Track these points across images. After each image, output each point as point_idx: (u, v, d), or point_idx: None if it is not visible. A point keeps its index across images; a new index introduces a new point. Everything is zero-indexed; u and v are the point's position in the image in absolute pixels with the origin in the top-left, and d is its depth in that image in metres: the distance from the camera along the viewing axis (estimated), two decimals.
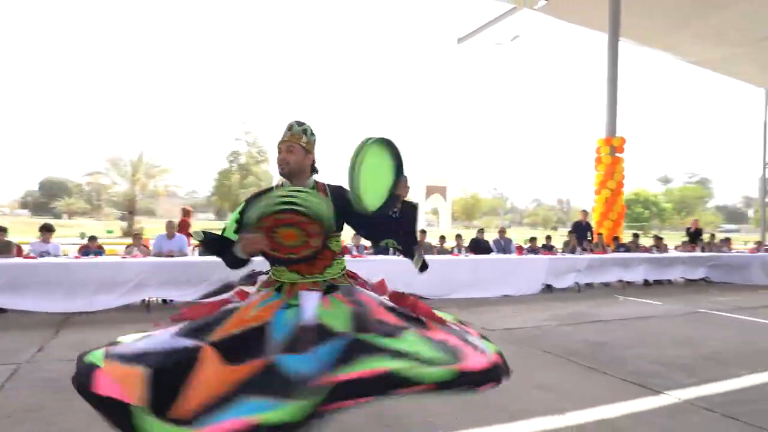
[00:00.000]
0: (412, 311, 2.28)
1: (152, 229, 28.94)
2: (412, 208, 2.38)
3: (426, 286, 8.08)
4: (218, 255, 2.40)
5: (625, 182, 12.24)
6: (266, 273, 2.58)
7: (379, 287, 2.52)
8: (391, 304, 2.33)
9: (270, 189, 2.48)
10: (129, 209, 30.71)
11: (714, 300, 8.97)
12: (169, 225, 7.71)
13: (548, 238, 10.60)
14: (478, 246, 10.02)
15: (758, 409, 3.67)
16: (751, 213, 76.58)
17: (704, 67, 18.40)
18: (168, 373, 1.85)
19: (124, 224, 30.11)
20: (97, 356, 2.00)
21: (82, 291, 6.38)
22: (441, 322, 2.30)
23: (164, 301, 7.29)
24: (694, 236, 12.34)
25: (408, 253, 2.45)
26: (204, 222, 52.42)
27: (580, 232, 11.16)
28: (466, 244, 10.21)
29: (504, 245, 10.20)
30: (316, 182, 2.47)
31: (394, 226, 2.35)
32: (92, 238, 7.59)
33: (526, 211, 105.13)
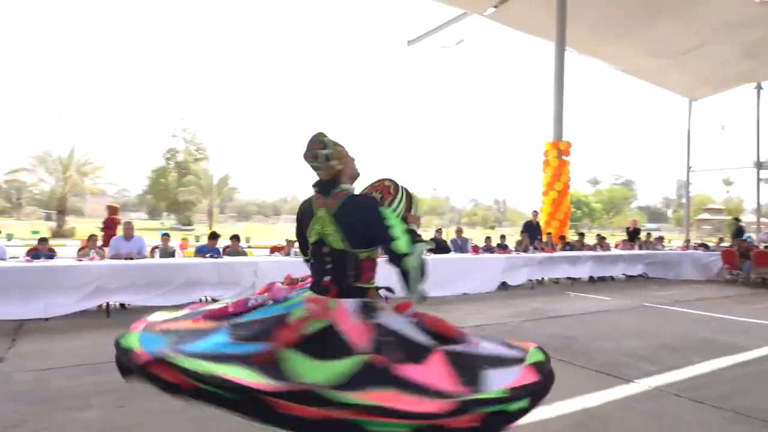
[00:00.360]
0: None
1: (83, 229, 27.35)
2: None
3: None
4: None
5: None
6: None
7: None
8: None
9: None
10: (59, 208, 28.90)
11: (654, 294, 9.64)
12: (128, 226, 7.39)
13: (503, 237, 11.00)
14: (438, 246, 10.24)
15: (721, 392, 4.03)
16: (669, 213, 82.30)
17: (636, 76, 19.64)
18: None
19: (52, 224, 28.32)
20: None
21: (37, 296, 6.01)
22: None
23: (122, 305, 6.99)
24: (633, 235, 13.21)
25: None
26: (136, 222, 50.21)
27: (531, 232, 11.65)
28: None
29: (461, 245, 10.48)
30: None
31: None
32: (43, 240, 7.13)
33: (465, 211, 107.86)
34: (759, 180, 20.05)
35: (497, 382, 1.88)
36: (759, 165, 19.79)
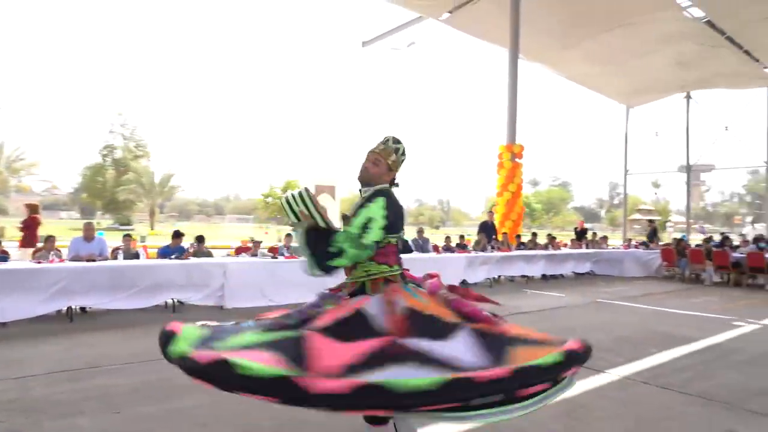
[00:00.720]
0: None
1: (12, 229, 25.68)
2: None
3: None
4: None
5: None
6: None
7: None
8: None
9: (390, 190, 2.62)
10: None
11: (604, 291, 10.24)
12: (88, 227, 7.09)
13: (461, 237, 11.33)
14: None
15: (682, 379, 4.41)
16: (602, 213, 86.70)
17: (579, 83, 20.63)
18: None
19: None
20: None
21: None
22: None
23: (83, 309, 6.71)
24: (581, 235, 13.92)
25: None
26: (67, 222, 47.46)
27: (487, 232, 12.05)
28: None
29: (422, 244, 10.71)
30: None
31: None
32: (50, 239, 6.72)
33: (410, 211, 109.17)
34: (689, 183, 21.55)
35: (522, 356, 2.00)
36: (688, 169, 21.30)
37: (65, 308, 6.47)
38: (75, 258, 6.76)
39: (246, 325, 2.28)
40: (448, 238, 11.18)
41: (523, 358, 2.01)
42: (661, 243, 15.14)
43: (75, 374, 4.22)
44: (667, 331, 6.47)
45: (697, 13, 14.64)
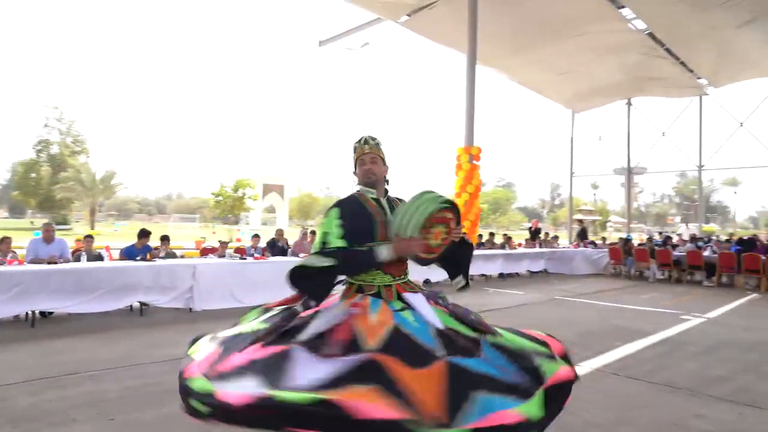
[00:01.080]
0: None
1: None
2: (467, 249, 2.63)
3: None
4: (348, 271, 2.33)
5: (445, 184, 13.73)
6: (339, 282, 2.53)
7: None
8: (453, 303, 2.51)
9: (353, 196, 2.49)
10: None
11: (559, 288, 10.72)
12: (47, 227, 6.76)
13: None
14: None
15: (647, 369, 4.75)
16: (545, 213, 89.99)
17: (528, 87, 21.36)
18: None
19: None
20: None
21: None
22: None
23: (42, 314, 6.42)
24: (534, 234, 14.48)
25: (453, 276, 2.70)
26: None
27: None
28: None
29: None
30: (387, 191, 2.56)
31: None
32: (5, 240, 6.29)
33: None
34: (630, 185, 22.80)
35: (479, 411, 1.77)
36: (629, 171, 22.52)
37: (24, 313, 6.19)
38: (34, 260, 6.46)
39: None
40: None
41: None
42: (587, 241, 15.96)
43: (55, 381, 4.07)
44: (624, 325, 6.89)
45: (641, 25, 15.52)
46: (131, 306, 7.09)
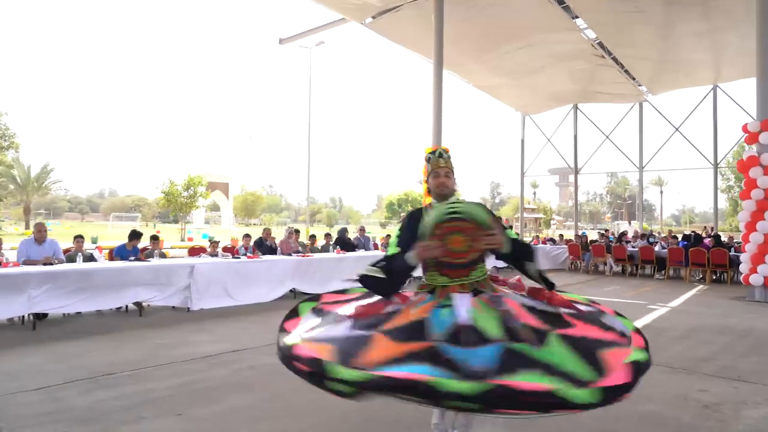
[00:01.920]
0: (549, 304, 2.62)
1: None
2: (524, 251, 2.76)
3: (310, 282, 8.52)
4: (390, 276, 2.58)
5: (394, 184, 14.20)
6: (417, 278, 2.89)
7: (518, 285, 2.98)
8: (530, 303, 2.59)
9: (420, 209, 2.82)
10: None
11: (527, 283, 11.31)
12: (39, 228, 6.52)
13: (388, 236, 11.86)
14: (345, 244, 10.69)
15: None
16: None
17: (483, 90, 22.14)
18: (349, 347, 2.24)
19: None
20: (292, 340, 2.41)
21: None
22: (577, 309, 2.64)
23: (37, 316, 6.21)
24: None
25: (526, 273, 2.89)
26: None
27: None
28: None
29: (364, 242, 11.08)
30: (459, 200, 2.88)
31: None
32: None
33: (304, 208, 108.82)
34: (576, 184, 24.11)
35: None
36: (576, 172, 23.82)
37: (20, 316, 6.00)
38: (28, 261, 6.23)
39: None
40: (388, 236, 11.64)
41: (616, 361, 2.20)
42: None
43: (96, 382, 4.06)
44: None
45: (592, 35, 16.53)
46: (126, 307, 6.98)
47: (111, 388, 3.93)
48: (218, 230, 50.44)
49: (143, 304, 6.86)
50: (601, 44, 17.07)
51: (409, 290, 2.85)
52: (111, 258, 7.33)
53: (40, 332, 5.73)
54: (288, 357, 2.32)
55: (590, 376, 2.09)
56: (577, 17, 15.37)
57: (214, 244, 8.28)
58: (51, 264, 6.20)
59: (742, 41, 15.11)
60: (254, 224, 79.22)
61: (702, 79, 19.45)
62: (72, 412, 3.42)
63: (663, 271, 12.81)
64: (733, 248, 12.25)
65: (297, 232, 9.82)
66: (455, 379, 2.01)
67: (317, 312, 2.77)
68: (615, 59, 18.04)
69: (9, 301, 5.59)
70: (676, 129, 21.02)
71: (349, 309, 2.66)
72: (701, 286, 11.47)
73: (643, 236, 14.49)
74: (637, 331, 2.50)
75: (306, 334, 2.46)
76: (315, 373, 2.14)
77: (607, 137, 22.78)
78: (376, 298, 2.69)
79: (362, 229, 11.43)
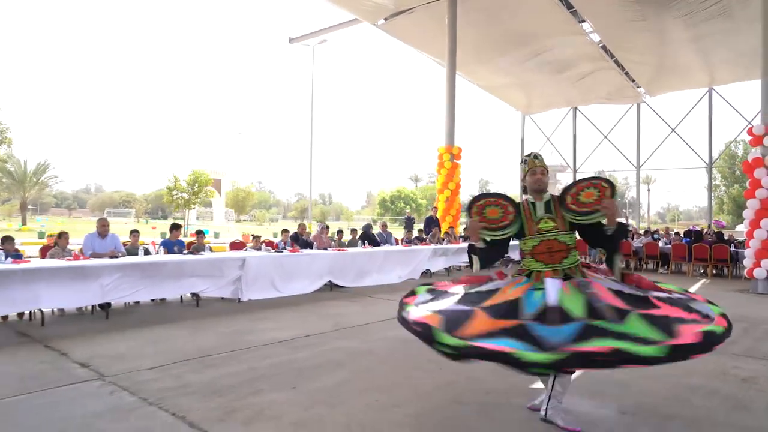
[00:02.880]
0: (638, 288, 3.07)
1: None
2: (623, 230, 3.36)
3: (346, 275, 8.99)
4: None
5: (389, 182, 14.72)
6: (517, 261, 3.44)
7: (607, 271, 3.45)
8: (618, 287, 2.99)
9: (518, 204, 3.36)
10: None
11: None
12: (103, 223, 6.89)
13: (420, 231, 12.34)
14: (369, 239, 11.16)
15: None
16: None
17: (487, 91, 22.71)
18: (454, 318, 2.78)
19: None
20: (408, 308, 3.08)
21: (38, 294, 5.55)
22: (666, 292, 3.06)
23: (101, 306, 6.59)
24: None
25: (610, 261, 3.35)
26: None
27: (432, 226, 13.20)
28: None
29: (386, 237, 11.55)
30: (551, 195, 3.39)
31: (605, 238, 3.22)
32: (8, 240, 6.26)
33: (295, 204, 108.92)
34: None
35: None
36: (575, 170, 24.52)
37: (89, 306, 6.40)
38: (95, 254, 6.61)
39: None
40: (409, 232, 12.13)
41: (690, 331, 2.57)
42: None
43: (203, 362, 4.48)
44: None
45: (596, 38, 17.14)
46: (182, 297, 7.40)
47: (216, 367, 4.36)
48: (211, 226, 50.48)
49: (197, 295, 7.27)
50: (604, 47, 17.68)
51: (508, 272, 3.37)
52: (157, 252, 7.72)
53: (113, 320, 6.12)
54: (406, 321, 2.94)
55: (659, 337, 2.48)
56: (583, 21, 15.95)
57: (256, 238, 8.70)
58: (116, 257, 6.58)
59: (737, 46, 15.82)
60: (245, 220, 79.19)
61: (698, 82, 20.18)
62: (195, 386, 3.85)
63: (666, 266, 13.46)
64: (733, 244, 12.94)
65: (327, 227, 10.26)
66: (535, 351, 2.48)
67: (431, 291, 3.38)
68: (617, 62, 18.68)
69: (85, 290, 5.97)
70: (673, 129, 21.74)
71: (457, 289, 3.25)
72: (704, 279, 12.13)
73: (646, 233, 15.14)
74: (724, 315, 2.77)
75: (422, 305, 3.07)
76: (425, 335, 2.73)
77: (605, 137, 23.45)
78: (480, 280, 3.26)
79: (384, 225, 11.91)
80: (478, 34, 16.84)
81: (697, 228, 15.87)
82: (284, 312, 6.93)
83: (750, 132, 10.22)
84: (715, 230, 14.16)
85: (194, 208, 28.16)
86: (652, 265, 14.08)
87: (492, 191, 3.56)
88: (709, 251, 12.47)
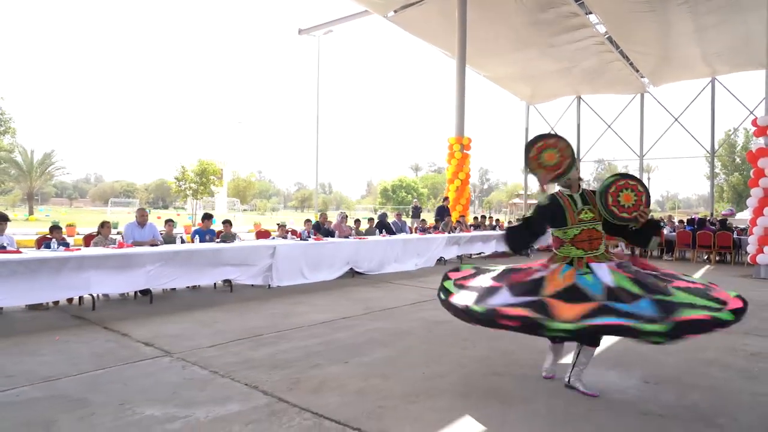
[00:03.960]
0: (653, 270, 3.56)
1: None
2: (654, 226, 3.78)
3: (368, 263, 9.38)
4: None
5: (390, 171, 15.05)
6: (545, 249, 3.84)
7: (621, 256, 3.86)
8: (642, 270, 3.47)
9: (554, 195, 3.72)
10: None
11: None
12: (142, 213, 7.25)
13: (437, 220, 12.73)
14: (386, 228, 11.51)
15: None
16: (474, 197, 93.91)
17: (493, 81, 22.97)
18: (540, 307, 3.11)
19: None
20: (449, 286, 3.63)
21: (86, 279, 5.92)
22: (679, 274, 3.62)
23: (143, 292, 6.96)
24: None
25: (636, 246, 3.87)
26: None
27: (443, 215, 13.57)
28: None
29: (401, 226, 11.93)
30: (583, 189, 3.75)
31: (629, 233, 3.67)
32: (57, 229, 6.62)
33: (293, 194, 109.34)
34: (579, 171, 25.08)
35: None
36: (578, 158, 24.84)
37: (132, 292, 6.77)
38: (136, 243, 6.98)
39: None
40: (423, 221, 12.52)
41: (723, 296, 3.18)
42: None
43: (255, 341, 4.87)
44: None
45: (602, 29, 17.40)
46: (215, 284, 7.78)
47: (270, 345, 4.75)
48: (216, 216, 50.79)
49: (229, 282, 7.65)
50: (610, 39, 17.95)
51: (541, 260, 3.72)
52: (191, 241, 8.08)
53: (156, 305, 6.50)
54: (447, 302, 3.49)
55: (719, 305, 3.01)
56: (590, 13, 16.21)
57: (282, 227, 9.07)
58: (156, 245, 6.95)
59: (741, 36, 16.10)
60: (246, 210, 79.52)
61: (701, 72, 20.45)
62: (256, 362, 4.23)
63: (671, 253, 13.88)
64: (735, 231, 13.34)
65: (346, 216, 10.63)
66: (647, 323, 2.86)
67: (476, 269, 3.90)
68: (622, 53, 18.95)
69: (131, 277, 6.34)
70: (676, 119, 22.05)
71: (497, 273, 3.67)
72: (708, 266, 12.55)
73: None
74: (739, 296, 3.23)
75: (465, 289, 3.58)
76: (529, 326, 3.09)
77: (609, 126, 23.76)
78: (519, 268, 3.63)
79: (399, 215, 12.29)
80: (485, 27, 17.09)
81: (698, 216, 16.26)
82: (316, 297, 7.32)
83: (754, 123, 10.56)
84: (719, 218, 14.54)
85: (202, 198, 28.36)
86: (657, 252, 14.48)
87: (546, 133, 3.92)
88: (712, 238, 12.86)
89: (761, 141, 10.48)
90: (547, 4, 15.19)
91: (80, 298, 6.37)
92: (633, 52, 18.77)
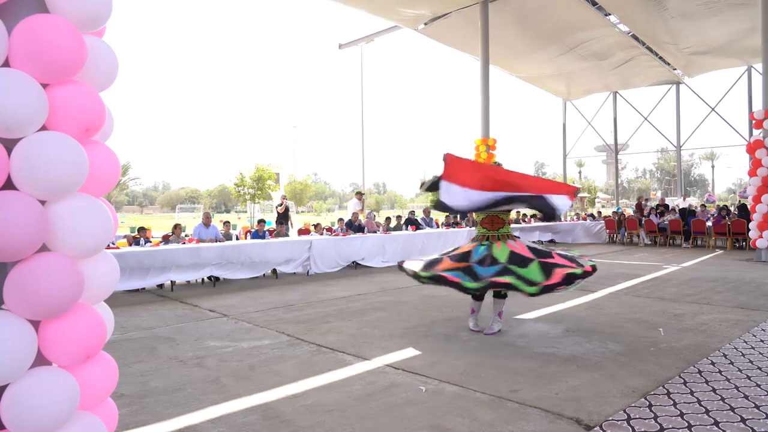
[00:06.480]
0: (546, 247, 5.18)
1: None
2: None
3: (395, 255, 10.91)
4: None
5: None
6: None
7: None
8: (533, 245, 5.12)
9: None
10: None
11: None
12: (208, 215, 9.18)
13: (455, 216, 14.12)
14: (412, 222, 13.02)
15: (648, 292, 7.40)
16: None
17: (527, 81, 23.88)
18: (430, 263, 4.86)
19: None
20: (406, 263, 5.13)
21: (163, 271, 7.84)
22: (564, 252, 5.16)
23: (210, 279, 8.81)
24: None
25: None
26: None
27: None
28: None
29: (428, 222, 13.40)
30: None
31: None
32: (143, 230, 8.67)
33: (348, 195, 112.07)
34: (617, 164, 25.57)
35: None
36: (616, 153, 25.31)
37: (203, 278, 8.65)
38: (201, 241, 8.88)
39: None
40: (447, 216, 13.94)
41: (559, 273, 4.64)
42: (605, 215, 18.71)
43: (286, 309, 6.58)
44: (625, 272, 9.58)
45: (624, 28, 18.10)
46: (264, 273, 9.59)
47: (299, 310, 6.44)
48: (274, 218, 53.97)
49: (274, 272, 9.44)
50: (634, 36, 18.59)
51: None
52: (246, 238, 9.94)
53: (219, 287, 8.38)
54: (403, 267, 5.16)
55: (540, 279, 4.55)
56: (609, 14, 17.01)
57: (318, 226, 10.81)
58: (217, 242, 8.82)
59: None
60: (302, 211, 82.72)
61: (735, 61, 20.55)
62: (287, 320, 5.93)
63: (689, 241, 14.58)
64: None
65: (374, 215, 12.23)
66: (472, 281, 4.53)
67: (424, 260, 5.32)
68: (649, 48, 19.49)
69: (201, 267, 8.23)
70: (712, 109, 22.19)
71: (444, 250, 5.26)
72: (719, 251, 13.24)
73: (672, 211, 16.17)
74: (593, 266, 4.93)
75: (413, 262, 5.20)
76: (413, 274, 4.84)
77: (645, 119, 24.12)
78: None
79: (426, 211, 13.75)
80: (511, 33, 18.20)
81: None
82: (343, 281, 8.98)
83: (752, 116, 11.28)
84: (720, 205, 15.01)
85: (259, 203, 30.83)
86: (679, 241, 15.17)
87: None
88: (728, 226, 13.51)
89: (759, 133, 11.20)
90: (566, 9, 16.14)
91: (162, 284, 8.33)
92: (659, 47, 19.27)
